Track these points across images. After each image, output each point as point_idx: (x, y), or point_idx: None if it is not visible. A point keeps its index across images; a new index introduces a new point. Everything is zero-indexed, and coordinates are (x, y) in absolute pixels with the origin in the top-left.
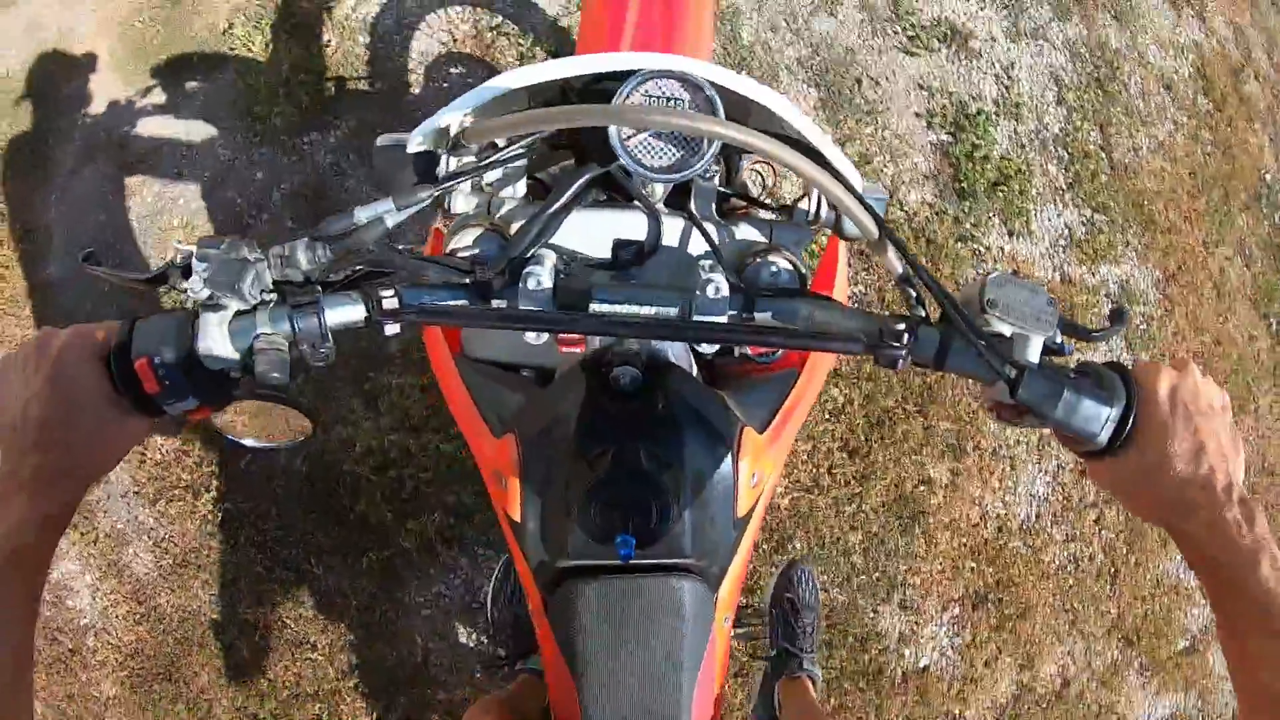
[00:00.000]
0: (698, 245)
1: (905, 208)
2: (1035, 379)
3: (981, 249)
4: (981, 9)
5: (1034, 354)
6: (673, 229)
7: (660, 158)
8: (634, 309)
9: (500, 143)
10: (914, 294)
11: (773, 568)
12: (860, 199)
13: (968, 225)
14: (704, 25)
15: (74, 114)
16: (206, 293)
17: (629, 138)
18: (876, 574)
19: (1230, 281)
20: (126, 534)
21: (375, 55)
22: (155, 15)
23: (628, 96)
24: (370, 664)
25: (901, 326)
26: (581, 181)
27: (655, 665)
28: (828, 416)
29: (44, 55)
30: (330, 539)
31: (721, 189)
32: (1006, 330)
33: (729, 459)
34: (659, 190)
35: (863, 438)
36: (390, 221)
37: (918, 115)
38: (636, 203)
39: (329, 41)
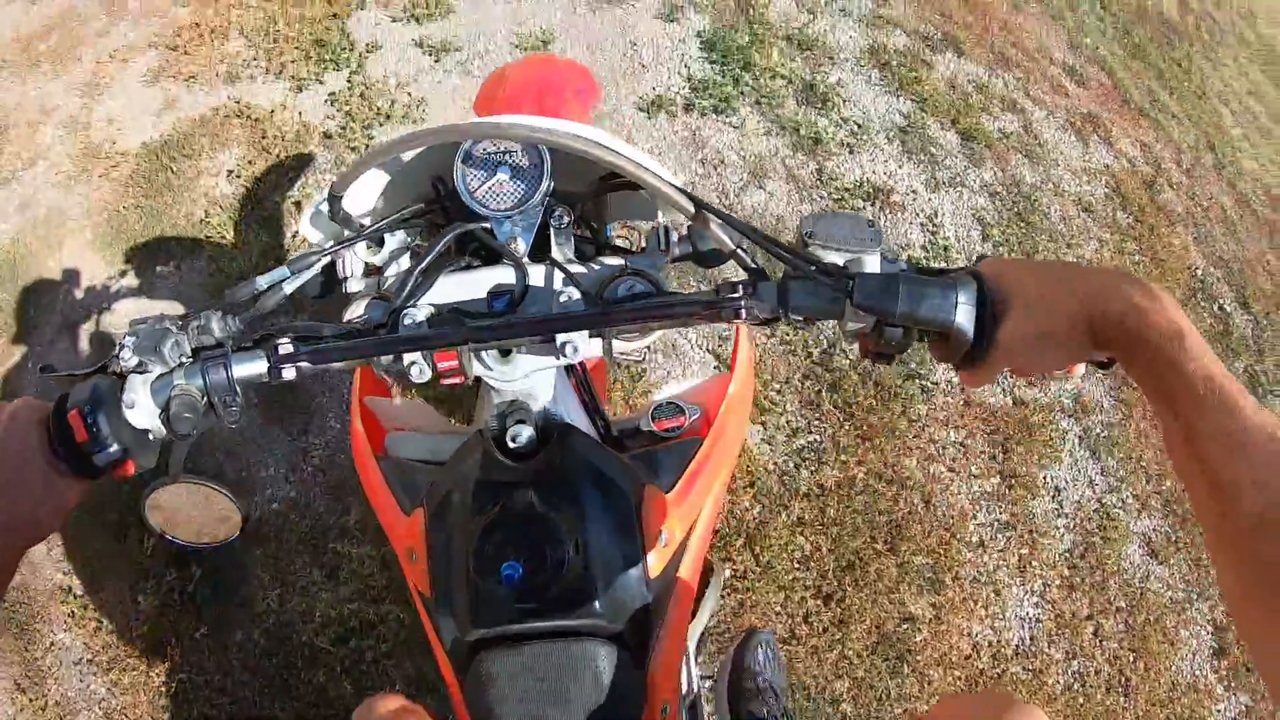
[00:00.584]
0: (563, 286)
1: (849, 356)
2: (868, 280)
3: (929, 385)
4: (900, 167)
5: (870, 269)
6: (538, 275)
7: (506, 200)
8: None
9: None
10: (748, 259)
11: None
12: (671, 184)
13: (913, 364)
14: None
15: (56, 289)
16: (135, 360)
17: (476, 189)
18: None
19: None
20: (76, 704)
21: None
22: (138, 203)
23: (469, 153)
24: None
25: (737, 285)
26: (448, 236)
27: None
28: (796, 565)
29: (33, 232)
30: (287, 714)
31: (584, 236)
32: (838, 258)
33: (631, 514)
34: (522, 246)
35: (835, 582)
36: (288, 287)
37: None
38: (505, 260)
39: (296, 233)
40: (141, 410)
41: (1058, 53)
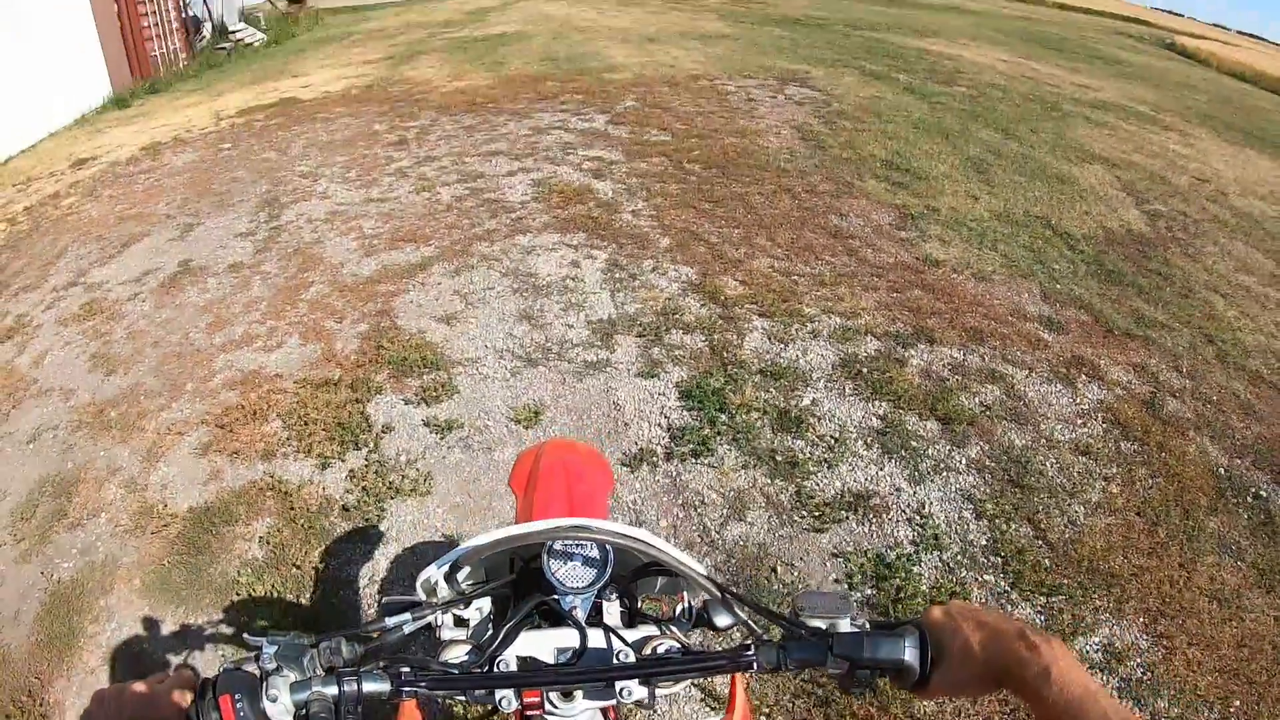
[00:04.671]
0: (614, 644)
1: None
2: (842, 639)
3: None
4: (880, 469)
5: (844, 630)
6: (595, 637)
7: (580, 580)
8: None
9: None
10: (755, 627)
11: None
12: (696, 571)
13: None
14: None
15: (104, 624)
16: (274, 664)
17: (556, 570)
18: None
19: (1228, 585)
20: None
21: (352, 604)
22: (180, 559)
23: (551, 547)
24: None
25: (749, 644)
26: (530, 605)
27: None
28: None
29: (90, 574)
30: None
31: (627, 610)
32: (821, 624)
33: None
34: (581, 614)
35: None
36: (408, 629)
37: (837, 581)
38: (568, 622)
39: (317, 594)
40: (281, 707)
41: (1031, 308)
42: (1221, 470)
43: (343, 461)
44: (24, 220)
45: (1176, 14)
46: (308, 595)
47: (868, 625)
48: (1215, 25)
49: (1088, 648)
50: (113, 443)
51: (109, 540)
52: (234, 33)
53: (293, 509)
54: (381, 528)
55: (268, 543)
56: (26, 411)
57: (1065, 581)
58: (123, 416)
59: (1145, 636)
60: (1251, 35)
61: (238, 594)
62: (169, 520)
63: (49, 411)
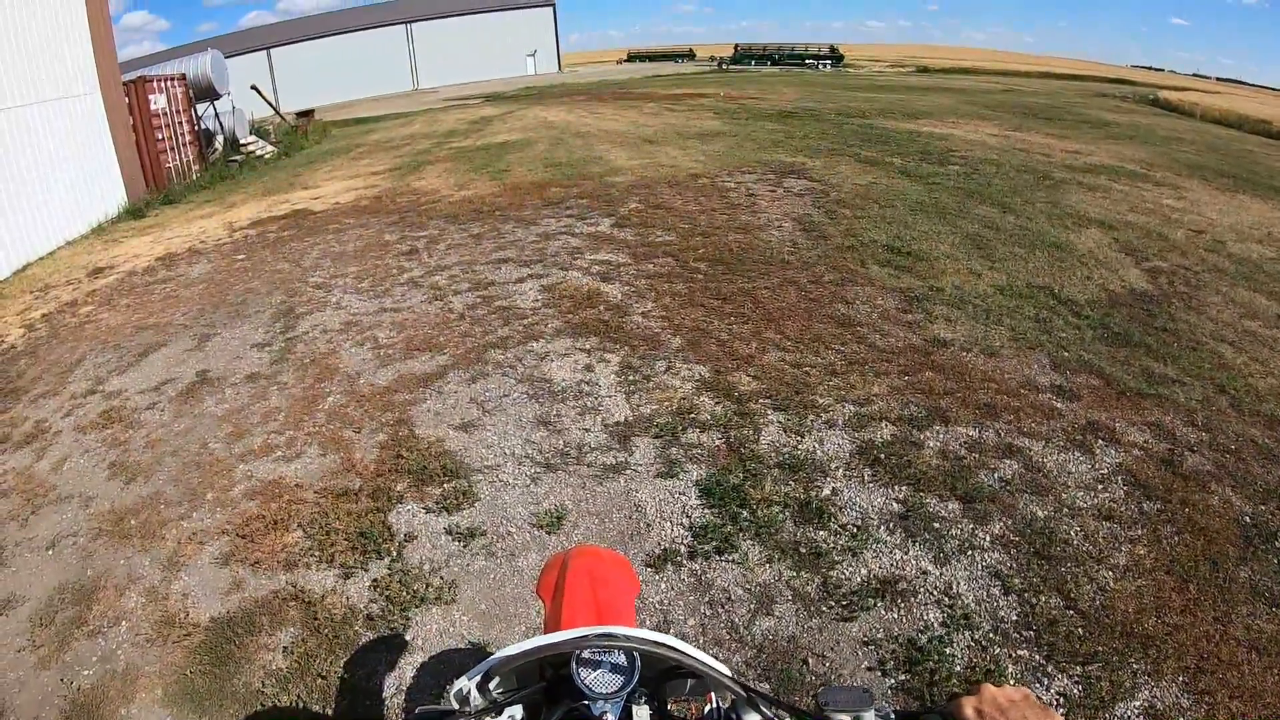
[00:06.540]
0: None
1: None
2: None
3: None
4: (905, 553)
5: None
6: None
7: (609, 686)
8: None
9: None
10: None
11: None
12: (721, 672)
13: None
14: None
15: None
16: None
17: (585, 678)
18: None
19: (1265, 633)
20: None
21: (378, 714)
22: (205, 670)
23: (580, 655)
24: None
25: None
26: (561, 711)
27: None
28: None
29: (110, 682)
30: None
31: (657, 713)
32: (846, 718)
33: None
34: (611, 718)
35: None
36: None
37: (870, 669)
38: None
39: (343, 703)
40: None
41: (1042, 378)
42: (1247, 519)
43: (365, 571)
44: (42, 327)
45: (1157, 69)
46: (333, 705)
47: (893, 716)
48: (1195, 75)
49: (1129, 713)
50: (133, 551)
51: (130, 649)
52: (245, 145)
53: (316, 619)
54: (407, 636)
55: (292, 653)
56: (45, 517)
57: (1100, 649)
58: (143, 525)
59: (1187, 695)
60: (1232, 80)
61: (262, 704)
62: (191, 630)
63: (68, 518)
